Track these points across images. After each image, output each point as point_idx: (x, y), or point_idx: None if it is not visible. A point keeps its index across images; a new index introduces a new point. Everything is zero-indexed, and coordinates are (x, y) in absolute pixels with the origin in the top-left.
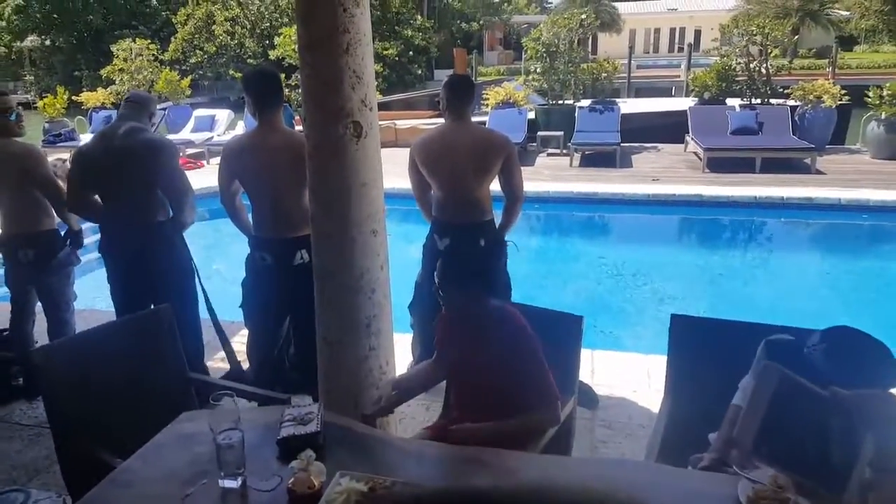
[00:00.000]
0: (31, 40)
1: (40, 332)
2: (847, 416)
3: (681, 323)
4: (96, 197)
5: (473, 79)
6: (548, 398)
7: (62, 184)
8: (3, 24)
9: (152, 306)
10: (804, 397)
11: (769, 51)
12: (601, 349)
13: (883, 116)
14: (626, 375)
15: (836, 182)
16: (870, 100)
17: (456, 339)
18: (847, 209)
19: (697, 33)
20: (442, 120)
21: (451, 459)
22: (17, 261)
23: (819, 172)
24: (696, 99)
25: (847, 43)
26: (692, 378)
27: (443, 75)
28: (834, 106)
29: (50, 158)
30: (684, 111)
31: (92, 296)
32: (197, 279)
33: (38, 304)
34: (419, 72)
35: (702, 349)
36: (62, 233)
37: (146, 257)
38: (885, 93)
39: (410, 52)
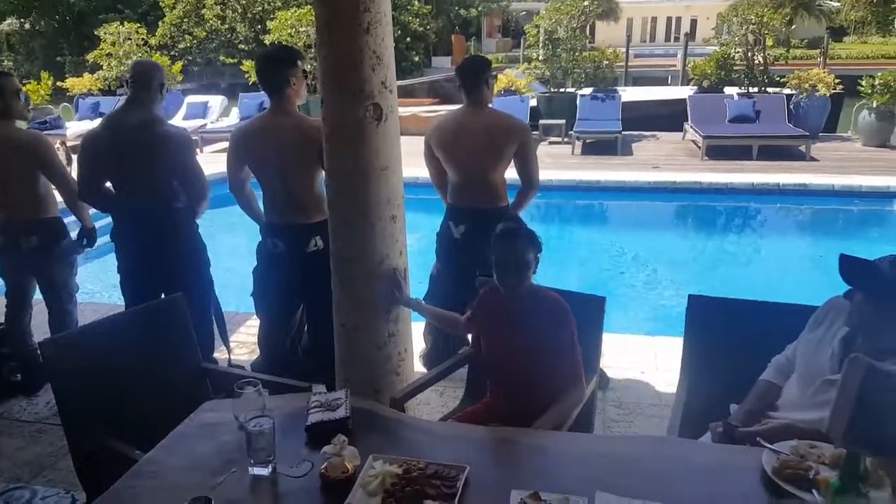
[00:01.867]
0: (8, 23)
1: (37, 325)
2: None
3: (698, 303)
4: (108, 185)
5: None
6: (576, 376)
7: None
8: None
9: (163, 296)
10: (892, 385)
11: (765, 40)
12: (607, 332)
13: (874, 105)
14: (633, 357)
15: (830, 168)
16: (863, 89)
17: (496, 318)
18: (840, 195)
19: (693, 23)
20: (444, 107)
21: (480, 440)
22: (19, 248)
23: (813, 159)
24: (695, 87)
25: (837, 34)
26: (708, 357)
27: (440, 63)
28: (828, 94)
29: None
30: (683, 100)
31: (92, 288)
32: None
33: (35, 296)
34: (416, 59)
35: (718, 328)
36: (72, 231)
37: (162, 245)
38: (876, 82)
39: (408, 39)
